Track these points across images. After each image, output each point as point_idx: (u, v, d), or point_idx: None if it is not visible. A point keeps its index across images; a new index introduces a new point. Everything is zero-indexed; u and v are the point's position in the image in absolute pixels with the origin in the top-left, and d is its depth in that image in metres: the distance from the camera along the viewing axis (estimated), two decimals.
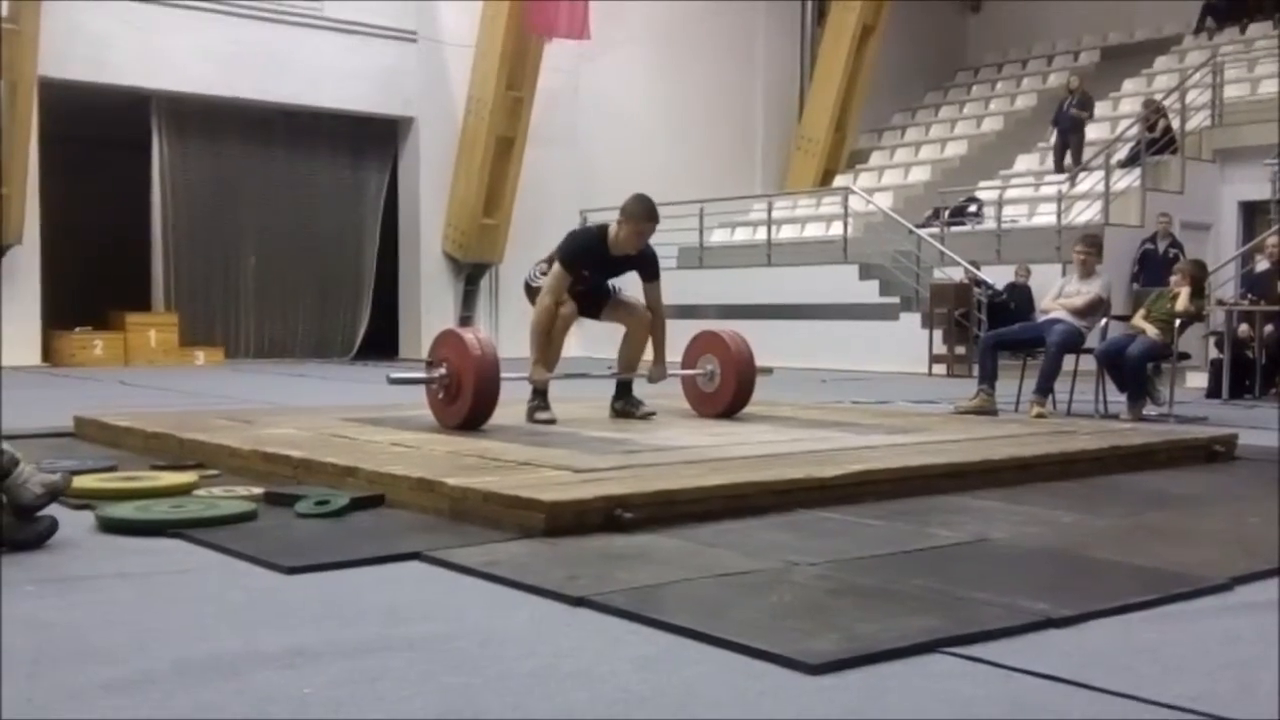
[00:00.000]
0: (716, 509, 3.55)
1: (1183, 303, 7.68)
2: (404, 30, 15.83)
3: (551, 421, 5.42)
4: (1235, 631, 2.44)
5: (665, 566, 2.92)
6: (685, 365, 6.09)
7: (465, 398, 5.03)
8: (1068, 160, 15.35)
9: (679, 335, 6.19)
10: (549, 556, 3.03)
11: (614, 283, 5.86)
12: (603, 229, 5.64)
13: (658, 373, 5.80)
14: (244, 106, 14.99)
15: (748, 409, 6.00)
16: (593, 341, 15.70)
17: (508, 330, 16.55)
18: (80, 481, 3.80)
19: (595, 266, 5.61)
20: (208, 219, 15.26)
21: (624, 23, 17.30)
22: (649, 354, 5.91)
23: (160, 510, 3.47)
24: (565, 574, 2.80)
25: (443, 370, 5.13)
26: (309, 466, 4.14)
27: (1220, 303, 9.91)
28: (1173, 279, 7.98)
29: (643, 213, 5.49)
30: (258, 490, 3.86)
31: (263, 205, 15.68)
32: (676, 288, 15.59)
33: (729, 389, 5.94)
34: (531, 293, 5.68)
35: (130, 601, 2.64)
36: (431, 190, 16.39)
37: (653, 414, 5.74)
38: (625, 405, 5.80)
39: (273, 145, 15.77)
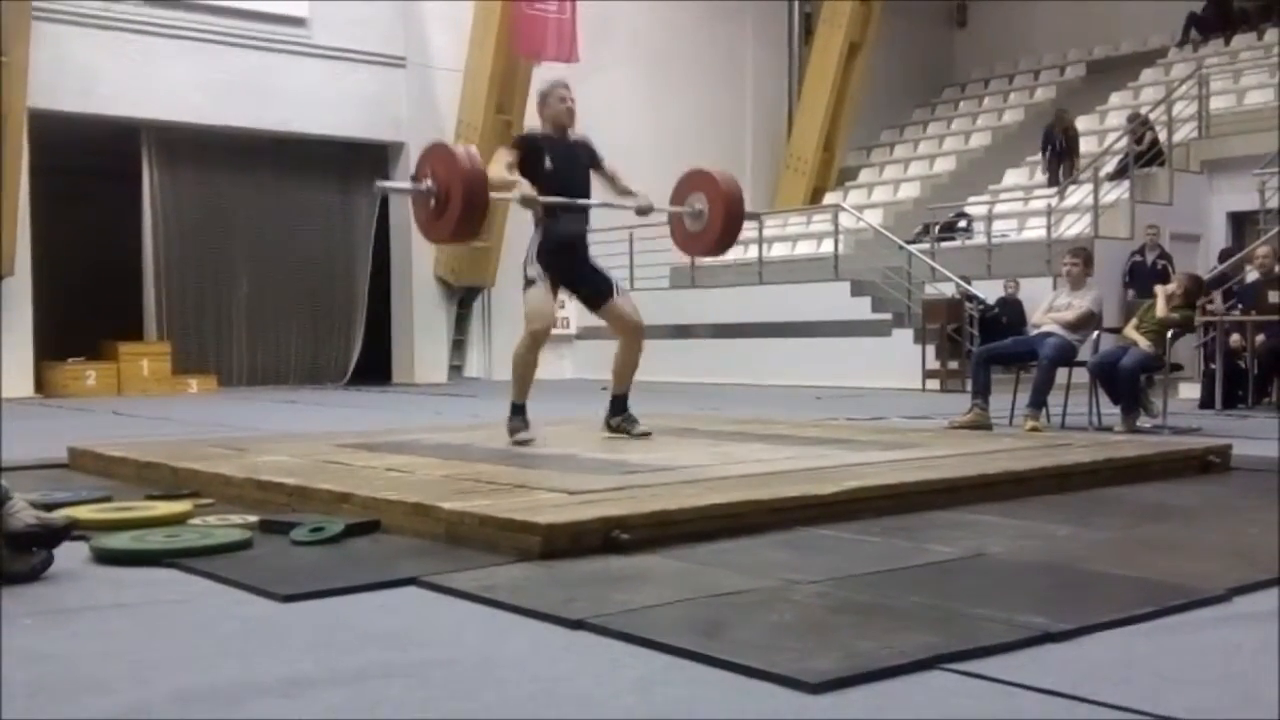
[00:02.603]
0: (714, 528, 3.55)
1: (1161, 309, 7.70)
2: (393, 55, 15.89)
3: (529, 441, 5.40)
4: (1234, 643, 2.44)
5: (663, 587, 2.91)
6: (674, 204, 6.01)
7: (454, 207, 5.04)
8: (1062, 173, 15.38)
9: (673, 354, 6.19)
10: (546, 579, 3.02)
11: (619, 283, 5.81)
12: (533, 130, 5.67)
13: (645, 202, 5.76)
14: (234, 134, 15.01)
15: (742, 427, 6.00)
16: (586, 364, 15.73)
17: (501, 352, 16.57)
18: (75, 512, 3.79)
19: (548, 150, 5.56)
20: (199, 247, 15.26)
21: (612, 45, 17.38)
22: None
23: (155, 540, 3.46)
24: (563, 597, 2.80)
25: (429, 183, 5.14)
26: (304, 494, 4.13)
27: (1208, 312, 9.94)
28: (1168, 287, 7.97)
29: (545, 87, 5.72)
30: (253, 518, 3.84)
31: (254, 232, 15.68)
32: (669, 307, 15.73)
33: (717, 225, 5.87)
34: (526, 283, 5.60)
35: (126, 632, 2.63)
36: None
37: (648, 434, 5.72)
38: (622, 422, 5.78)
39: (263, 172, 15.79)
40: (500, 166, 5.48)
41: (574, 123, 5.71)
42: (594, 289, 5.74)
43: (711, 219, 5.91)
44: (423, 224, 5.30)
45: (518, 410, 5.57)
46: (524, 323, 5.57)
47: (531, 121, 5.74)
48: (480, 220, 5.20)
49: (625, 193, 5.81)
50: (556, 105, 5.67)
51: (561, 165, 5.59)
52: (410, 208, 5.45)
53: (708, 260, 17.26)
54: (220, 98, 14.52)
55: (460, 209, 5.02)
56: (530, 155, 5.54)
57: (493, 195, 5.31)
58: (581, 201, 5.63)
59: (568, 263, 5.62)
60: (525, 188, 5.42)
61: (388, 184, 5.66)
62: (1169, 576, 3.00)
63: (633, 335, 5.77)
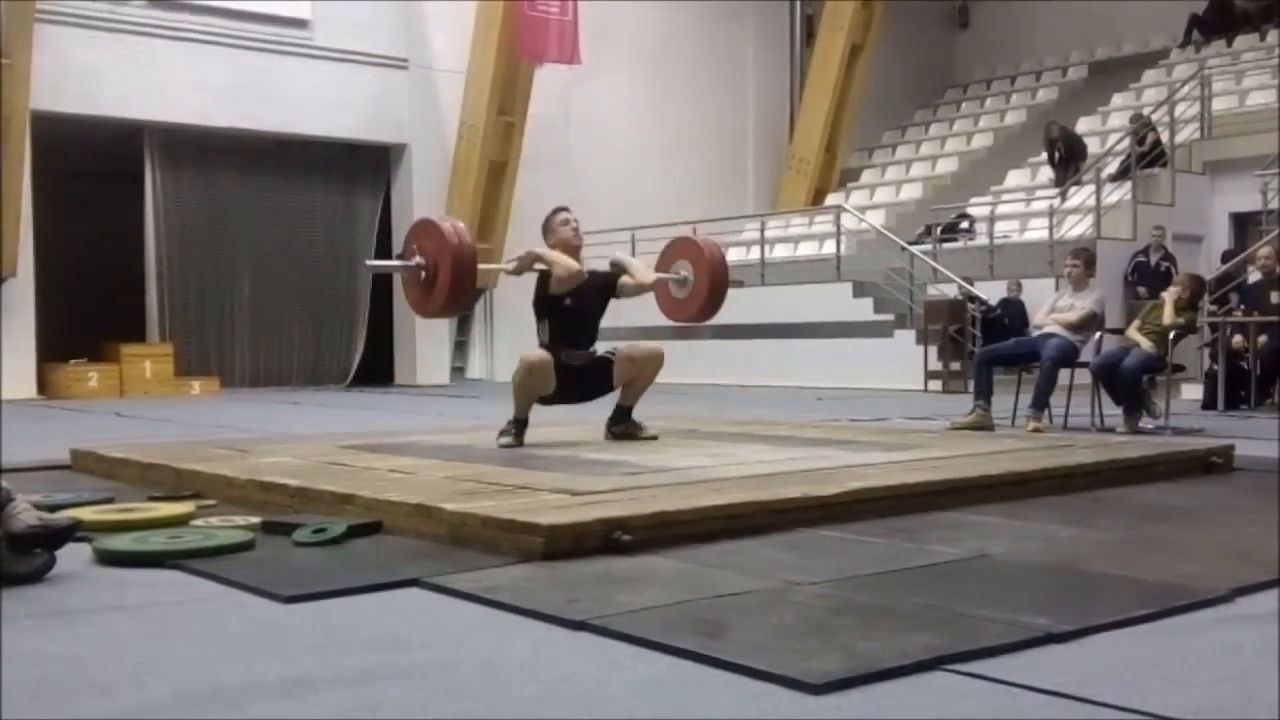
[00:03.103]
0: (715, 529, 3.55)
1: (1169, 316, 7.69)
2: (395, 57, 15.90)
3: (511, 446, 5.36)
4: (1237, 643, 2.43)
5: (665, 588, 2.91)
6: (659, 271, 6.03)
7: (443, 281, 5.05)
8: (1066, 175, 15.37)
9: (676, 356, 6.19)
10: (548, 580, 3.02)
11: (613, 352, 5.76)
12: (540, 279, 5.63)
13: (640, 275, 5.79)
14: (237, 136, 15.03)
15: (744, 428, 6.00)
16: None
17: (503, 355, 16.59)
18: (77, 514, 3.79)
19: (566, 296, 5.55)
20: (202, 249, 15.28)
21: (614, 47, 17.39)
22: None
23: (158, 541, 3.46)
24: (565, 598, 2.80)
25: (419, 259, 5.15)
26: (306, 495, 4.13)
27: (1211, 314, 9.94)
28: (1172, 290, 7.96)
29: (549, 215, 5.68)
30: (255, 520, 3.84)
31: (256, 234, 15.70)
32: None
33: (702, 292, 5.90)
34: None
35: (128, 634, 2.63)
36: (425, 215, 16.39)
37: (654, 437, 5.69)
38: (626, 428, 5.77)
39: (266, 174, 15.81)
40: (528, 366, 5.44)
41: (582, 243, 5.67)
42: (599, 381, 5.70)
43: (697, 286, 5.95)
44: (413, 300, 5.29)
45: (517, 421, 5.52)
46: (521, 357, 5.54)
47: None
48: (470, 292, 5.21)
49: (641, 278, 5.81)
50: (561, 229, 5.63)
51: (580, 304, 5.60)
52: (402, 281, 5.45)
53: None
54: (223, 100, 14.53)
55: (449, 283, 5.02)
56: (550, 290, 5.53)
57: (558, 265, 5.41)
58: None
59: (570, 380, 5.56)
60: (576, 266, 5.48)
61: (377, 263, 5.71)
62: (1171, 577, 3.00)
63: (650, 364, 5.73)
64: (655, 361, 5.74)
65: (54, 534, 3.15)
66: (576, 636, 2.53)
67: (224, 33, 14.66)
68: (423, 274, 5.14)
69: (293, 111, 15.07)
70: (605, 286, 5.76)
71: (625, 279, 5.78)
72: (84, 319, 14.58)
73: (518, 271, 5.69)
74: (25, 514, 3.11)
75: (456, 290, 5.05)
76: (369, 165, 16.46)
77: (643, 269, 5.90)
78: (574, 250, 5.62)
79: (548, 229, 5.70)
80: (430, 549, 3.44)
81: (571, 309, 5.59)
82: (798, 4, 19.98)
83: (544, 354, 5.49)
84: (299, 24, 15.28)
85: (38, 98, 13.07)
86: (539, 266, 5.55)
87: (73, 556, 3.28)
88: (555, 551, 3.24)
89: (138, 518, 3.87)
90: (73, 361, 14.09)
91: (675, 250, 6.12)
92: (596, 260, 6.02)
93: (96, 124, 13.99)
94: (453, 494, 3.88)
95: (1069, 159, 15.29)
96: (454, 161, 16.17)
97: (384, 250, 16.67)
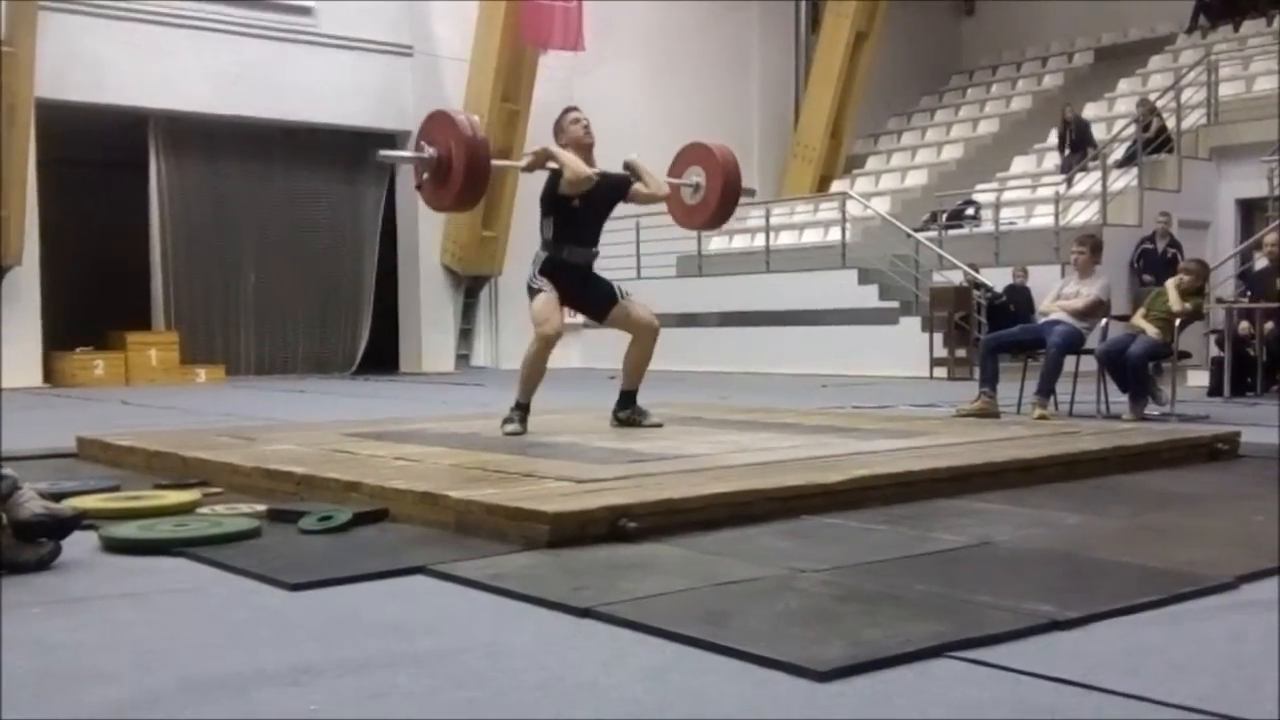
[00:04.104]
0: (720, 517, 3.55)
1: (1174, 302, 7.67)
2: (400, 45, 15.87)
3: (516, 434, 5.38)
4: (1242, 630, 2.43)
5: (670, 576, 2.91)
6: (672, 177, 6.01)
7: (456, 174, 5.05)
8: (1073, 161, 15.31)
9: (681, 344, 6.18)
10: (554, 568, 3.03)
11: (621, 287, 5.81)
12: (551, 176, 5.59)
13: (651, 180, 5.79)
14: (241, 124, 15.02)
15: (749, 415, 5.99)
16: (593, 353, 15.73)
17: (508, 341, 16.58)
18: (84, 502, 3.80)
19: (575, 197, 5.53)
20: (207, 237, 15.28)
21: (619, 34, 17.34)
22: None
23: (164, 529, 3.47)
24: (570, 585, 2.80)
25: (432, 151, 5.14)
26: (312, 483, 4.13)
27: (1220, 300, 9.91)
28: (1180, 278, 7.93)
29: (560, 115, 5.69)
30: (261, 507, 3.85)
31: (261, 222, 15.70)
32: (676, 296, 15.72)
33: (714, 198, 5.88)
34: (532, 293, 5.58)
35: (135, 621, 2.64)
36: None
37: (659, 424, 5.69)
38: (632, 414, 5.77)
39: (271, 162, 15.80)
40: (544, 327, 5.46)
41: (593, 141, 5.65)
42: (597, 300, 5.72)
43: (709, 193, 5.91)
44: (425, 192, 5.30)
45: (520, 406, 5.56)
46: (534, 327, 5.56)
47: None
48: (482, 187, 5.20)
49: (654, 189, 5.79)
50: (572, 128, 5.62)
51: (589, 204, 5.58)
52: (418, 215, 5.47)
53: (714, 248, 17.38)
54: (227, 88, 14.52)
55: (463, 176, 5.04)
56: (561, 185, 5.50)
57: (570, 167, 5.38)
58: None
59: (572, 281, 5.59)
60: (591, 172, 5.46)
61: (390, 153, 5.67)
62: (1177, 564, 3.00)
63: (646, 333, 5.73)
64: (651, 333, 5.72)
65: (60, 523, 3.16)
66: (582, 624, 2.53)
67: (228, 20, 14.64)
68: (436, 168, 5.11)
69: (297, 99, 15.05)
70: (616, 189, 5.72)
71: (638, 186, 5.75)
72: (89, 307, 14.60)
73: (529, 168, 5.61)
74: (31, 503, 3.12)
75: (470, 181, 5.06)
76: (373, 152, 16.40)
77: (656, 178, 5.83)
78: (586, 149, 5.61)
79: (558, 129, 5.68)
80: (436, 536, 3.44)
81: (578, 210, 5.56)
82: None
83: (555, 330, 5.48)
84: (303, 11, 15.26)
85: (42, 85, 13.07)
86: (551, 165, 5.52)
87: (79, 544, 3.28)
88: (560, 539, 3.24)
89: (144, 506, 3.88)
90: (78, 350, 14.11)
91: (688, 156, 6.07)
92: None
93: (101, 112, 13.98)
94: (458, 481, 3.88)
95: (1079, 144, 15.24)
96: None
97: (388, 239, 16.67)
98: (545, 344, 5.52)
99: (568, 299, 5.63)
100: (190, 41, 14.34)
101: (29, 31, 12.75)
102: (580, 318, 6.36)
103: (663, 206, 6.15)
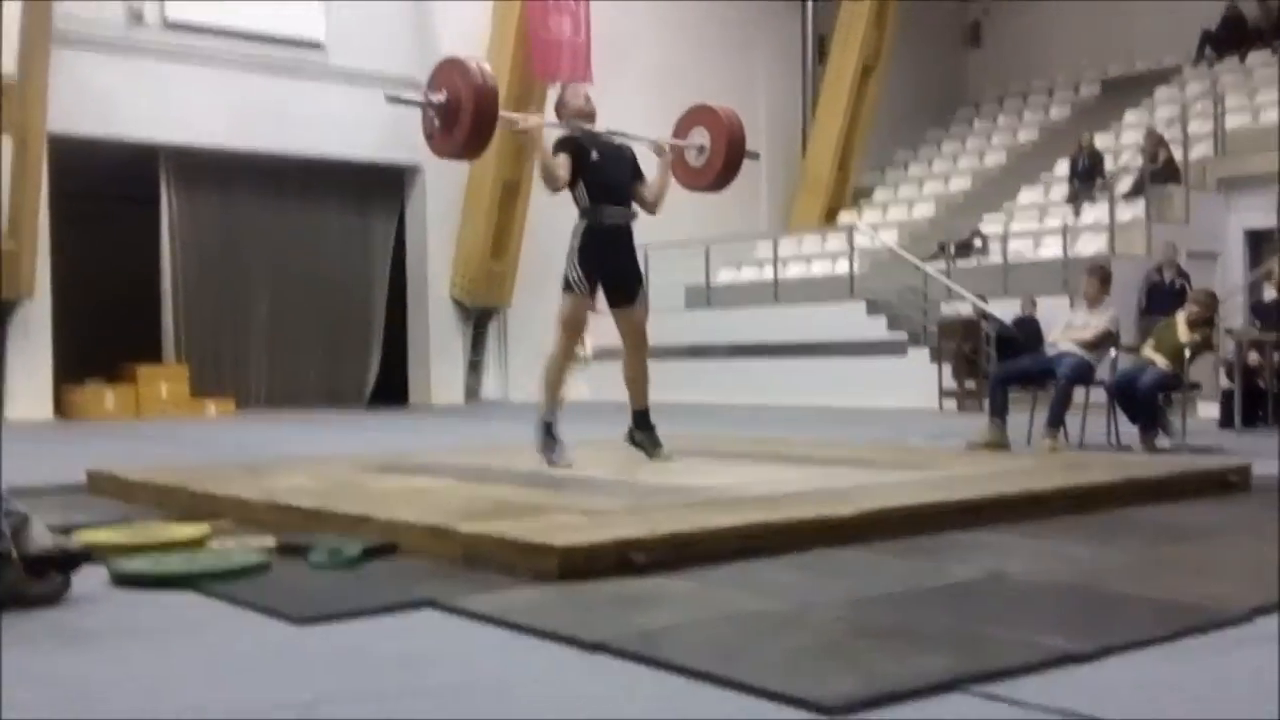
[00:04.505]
0: (730, 550, 3.53)
1: (1183, 334, 7.65)
2: (409, 78, 15.95)
3: (567, 464, 5.39)
4: (1257, 664, 2.41)
5: (680, 609, 2.90)
6: (676, 138, 6.02)
7: (464, 120, 5.08)
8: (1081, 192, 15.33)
9: (689, 375, 6.18)
10: (563, 601, 3.02)
11: (645, 292, 5.82)
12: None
13: (660, 146, 5.83)
14: (252, 158, 15.11)
15: (758, 447, 5.98)
16: (604, 385, 15.73)
17: (517, 372, 16.60)
18: (93, 536, 3.80)
19: (591, 146, 5.56)
20: (217, 270, 15.35)
21: (627, 67, 17.44)
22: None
23: (173, 563, 3.47)
24: (580, 619, 2.79)
25: (442, 95, 5.16)
26: (321, 516, 4.13)
27: (1229, 332, 9.89)
28: (1189, 309, 7.91)
29: (560, 91, 5.81)
30: (270, 541, 3.85)
31: (272, 255, 15.77)
32: (685, 328, 15.74)
33: (719, 160, 5.89)
34: (566, 287, 5.55)
35: (143, 656, 2.63)
36: (439, 236, 16.47)
37: (669, 459, 5.63)
38: (645, 440, 5.74)
39: (281, 195, 15.89)
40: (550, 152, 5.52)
41: (595, 112, 5.73)
42: (627, 288, 5.70)
43: (713, 154, 5.93)
44: (433, 138, 5.34)
45: (548, 429, 5.53)
46: (557, 327, 5.58)
47: (546, 140, 5.73)
48: (488, 135, 5.24)
49: (657, 188, 5.81)
50: (573, 99, 5.72)
51: (608, 161, 5.61)
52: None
53: (723, 279, 17.40)
54: (238, 121, 14.62)
55: (470, 121, 5.08)
56: (577, 152, 5.54)
57: (545, 155, 5.42)
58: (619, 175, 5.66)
59: (611, 255, 5.58)
60: (561, 176, 5.48)
61: (400, 96, 5.71)
62: (1190, 597, 2.98)
63: (641, 345, 5.76)
64: (645, 346, 5.76)
65: (69, 557, 3.16)
66: (592, 658, 2.52)
67: (239, 55, 14.76)
68: (445, 113, 5.15)
69: (307, 133, 15.14)
70: (631, 156, 5.76)
71: (641, 190, 5.73)
72: (101, 340, 14.65)
73: (519, 128, 5.64)
74: (41, 537, 3.12)
75: (476, 128, 5.10)
76: (383, 185, 16.53)
77: (658, 186, 5.80)
78: (587, 116, 5.69)
79: (560, 102, 5.78)
80: (445, 570, 3.43)
81: (600, 165, 5.57)
82: (809, 24, 19.99)
83: (578, 334, 5.57)
84: (314, 46, 15.38)
85: (55, 120, 13.17)
86: (523, 139, 5.67)
87: (88, 578, 3.28)
88: (570, 572, 3.23)
89: (153, 540, 3.87)
90: (89, 382, 14.15)
91: (692, 118, 6.08)
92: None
93: (113, 146, 14.09)
94: (467, 515, 3.88)
95: (1090, 174, 15.27)
96: (468, 181, 16.22)
97: (397, 271, 16.72)
98: (567, 350, 5.57)
99: (603, 274, 5.57)
100: (201, 76, 14.45)
101: (42, 67, 12.87)
102: (589, 350, 6.38)
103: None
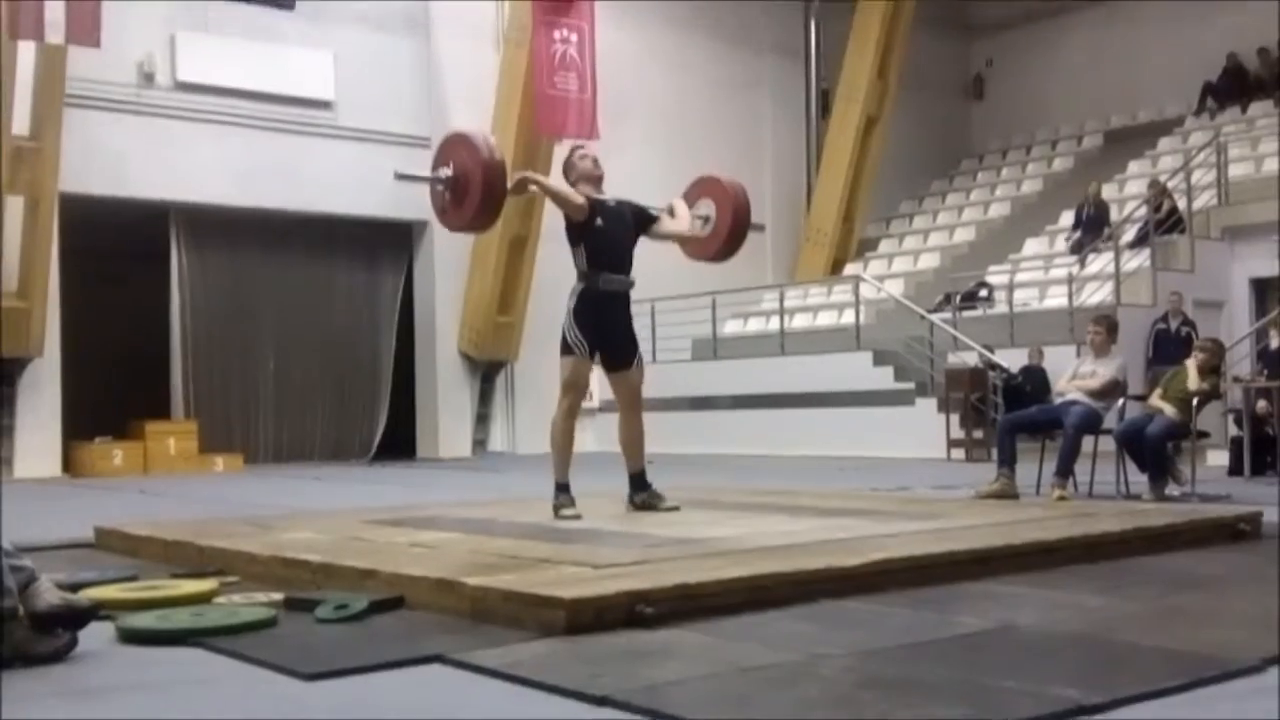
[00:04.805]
0: (738, 601, 3.52)
1: (1193, 382, 7.65)
2: (418, 136, 16.11)
3: (576, 517, 5.40)
4: (1270, 714, 2.39)
5: (689, 662, 2.89)
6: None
7: (473, 194, 5.11)
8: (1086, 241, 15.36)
9: (696, 426, 6.19)
10: (571, 655, 3.00)
11: (641, 356, 5.85)
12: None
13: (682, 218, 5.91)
14: (261, 215, 15.22)
15: (766, 498, 5.96)
16: (609, 437, 15.72)
17: (524, 426, 16.60)
18: (101, 592, 3.80)
19: (598, 210, 5.61)
20: (226, 326, 15.42)
21: (632, 123, 17.60)
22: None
23: (180, 619, 3.46)
24: (588, 672, 2.78)
25: (449, 170, 5.18)
26: (329, 570, 4.12)
27: (1237, 379, 9.88)
28: (1196, 357, 7.91)
29: (569, 154, 5.84)
30: (277, 596, 3.84)
31: (280, 311, 15.84)
32: (691, 379, 15.76)
33: (724, 230, 5.95)
34: (564, 348, 5.60)
35: (150, 713, 2.62)
36: (446, 290, 16.55)
37: (676, 508, 5.67)
38: (647, 498, 5.76)
39: (289, 252, 15.98)
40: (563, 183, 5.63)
41: (602, 175, 5.80)
42: (624, 351, 5.75)
43: (719, 224, 6.00)
44: (445, 212, 5.38)
45: (562, 488, 5.57)
46: (559, 391, 5.62)
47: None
48: (497, 209, 5.31)
49: (680, 227, 5.89)
50: (580, 163, 5.78)
51: (610, 225, 5.67)
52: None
53: (729, 331, 17.44)
54: (248, 180, 14.75)
55: (480, 196, 5.14)
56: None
57: (552, 191, 5.57)
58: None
59: (608, 320, 5.64)
60: (581, 198, 5.56)
61: (409, 173, 5.77)
62: (1202, 647, 2.96)
63: (636, 407, 5.80)
64: (640, 408, 5.79)
65: (76, 614, 3.16)
66: (600, 712, 2.51)
67: (249, 115, 14.92)
68: (453, 188, 5.20)
69: (316, 190, 15.27)
70: (638, 217, 5.81)
71: (665, 224, 5.82)
72: (109, 397, 14.69)
73: (514, 191, 5.57)
74: (48, 593, 3.12)
75: (485, 202, 5.14)
76: (391, 241, 16.64)
77: (685, 221, 5.90)
78: (595, 181, 5.73)
79: (568, 165, 5.82)
80: (453, 624, 3.42)
81: (603, 230, 5.61)
82: (813, 77, 20.19)
83: (580, 396, 5.62)
84: (323, 105, 15.55)
85: (66, 180, 13.29)
86: (532, 189, 5.68)
87: (96, 635, 3.28)
88: (578, 625, 3.22)
89: (160, 595, 3.87)
90: (98, 439, 14.16)
91: (699, 189, 6.15)
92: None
93: (123, 205, 14.20)
94: (474, 568, 3.87)
95: (1096, 223, 15.32)
96: (475, 236, 16.32)
97: (405, 325, 16.78)
98: (571, 413, 5.61)
99: (600, 340, 5.62)
100: (211, 135, 14.60)
101: (55, 129, 13.01)
102: (595, 401, 6.41)
103: (673, 248, 6.22)
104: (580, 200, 5.55)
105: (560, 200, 5.58)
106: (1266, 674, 2.71)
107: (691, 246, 6.14)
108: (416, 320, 16.84)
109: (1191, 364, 7.78)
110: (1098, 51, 20.10)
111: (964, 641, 3.12)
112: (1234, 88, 18.20)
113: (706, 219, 6.03)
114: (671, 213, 5.95)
